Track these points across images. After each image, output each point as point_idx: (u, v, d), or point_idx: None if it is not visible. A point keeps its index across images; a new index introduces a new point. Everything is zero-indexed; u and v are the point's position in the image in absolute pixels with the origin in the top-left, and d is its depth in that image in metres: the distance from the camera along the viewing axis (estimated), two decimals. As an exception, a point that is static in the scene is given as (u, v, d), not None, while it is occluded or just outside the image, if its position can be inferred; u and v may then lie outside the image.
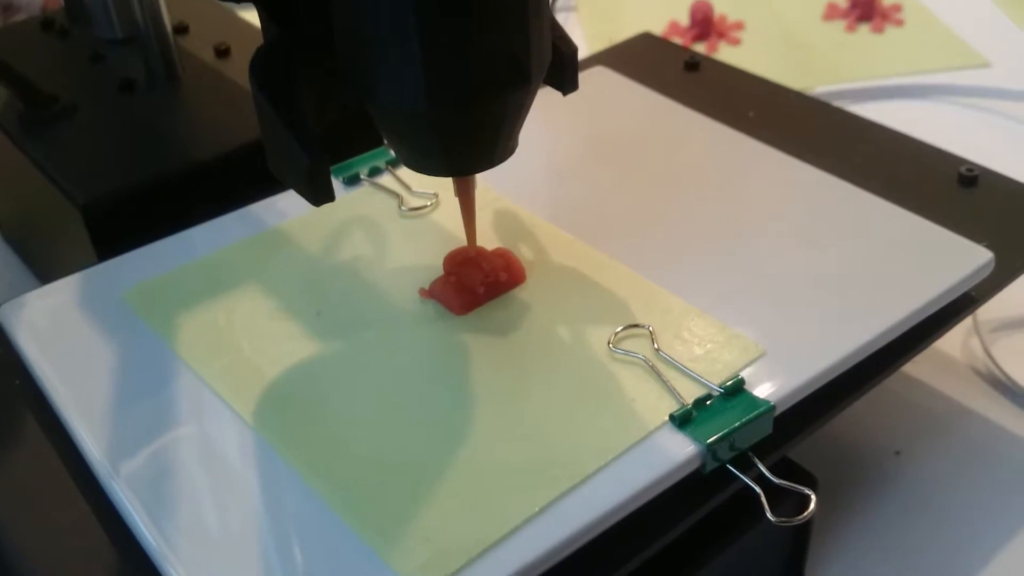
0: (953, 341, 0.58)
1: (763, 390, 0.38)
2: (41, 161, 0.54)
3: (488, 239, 0.46)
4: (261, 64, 0.37)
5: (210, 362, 0.40)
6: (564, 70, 0.42)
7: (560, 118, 0.56)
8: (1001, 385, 0.55)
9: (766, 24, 0.93)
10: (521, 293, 0.43)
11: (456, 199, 0.42)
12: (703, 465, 0.36)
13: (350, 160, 0.51)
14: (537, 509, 0.34)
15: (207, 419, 0.38)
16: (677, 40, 0.89)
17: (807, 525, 0.44)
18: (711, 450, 0.36)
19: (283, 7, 0.38)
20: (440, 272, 0.43)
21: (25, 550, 0.36)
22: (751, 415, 0.37)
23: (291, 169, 0.37)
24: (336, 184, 0.50)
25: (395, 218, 0.48)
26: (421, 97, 0.35)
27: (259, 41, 0.38)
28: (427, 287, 0.43)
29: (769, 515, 0.35)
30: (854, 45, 0.89)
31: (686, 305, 0.42)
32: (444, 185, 0.43)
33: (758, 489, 0.36)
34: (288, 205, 0.49)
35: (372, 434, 0.37)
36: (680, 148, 0.53)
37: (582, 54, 0.63)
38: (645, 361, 0.39)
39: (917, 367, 0.56)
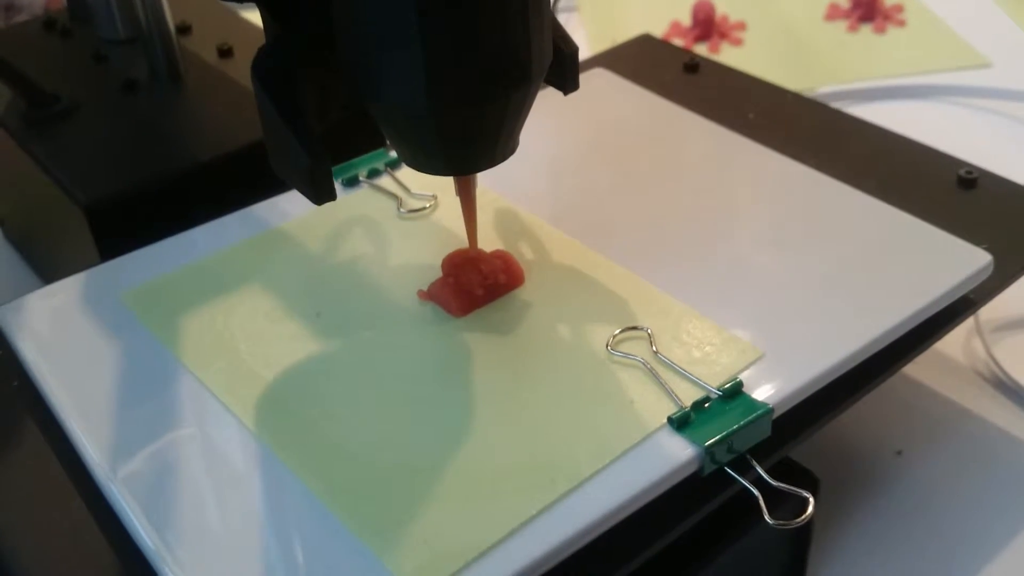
0: (955, 342, 0.58)
1: (761, 393, 0.38)
2: (44, 161, 0.54)
3: (488, 240, 0.46)
4: (263, 63, 0.37)
5: (208, 364, 0.41)
6: (565, 70, 0.42)
7: (560, 120, 0.56)
8: (1003, 386, 0.55)
9: (768, 24, 0.93)
10: (520, 295, 0.43)
11: (455, 200, 0.42)
12: (701, 468, 0.36)
13: (349, 162, 0.52)
14: (535, 512, 0.34)
15: (205, 421, 0.38)
16: (679, 41, 0.89)
17: (807, 526, 0.44)
18: (709, 453, 0.36)
19: (285, 6, 0.38)
20: (439, 274, 0.43)
21: (23, 552, 0.36)
22: (749, 418, 0.37)
23: (293, 168, 0.37)
24: (335, 186, 0.50)
25: (394, 220, 0.48)
26: (422, 96, 0.35)
27: (262, 41, 0.38)
28: (426, 289, 0.43)
29: (767, 518, 0.35)
30: (856, 45, 0.89)
31: (684, 307, 0.42)
32: (442, 187, 0.44)
33: (756, 492, 0.36)
34: (289, 206, 0.49)
35: (371, 436, 0.37)
36: (679, 150, 0.53)
37: (584, 54, 0.63)
38: (643, 363, 0.39)
39: (919, 368, 0.56)
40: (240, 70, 0.61)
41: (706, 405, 0.37)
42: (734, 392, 0.38)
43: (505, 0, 0.34)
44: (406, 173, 0.50)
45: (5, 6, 0.84)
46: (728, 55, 0.88)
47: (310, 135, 0.36)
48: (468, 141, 0.38)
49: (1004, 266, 0.45)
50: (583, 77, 0.59)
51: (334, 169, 0.50)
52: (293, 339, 0.42)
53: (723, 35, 0.90)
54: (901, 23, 0.92)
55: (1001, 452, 0.52)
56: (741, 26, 0.92)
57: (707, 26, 0.90)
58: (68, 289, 0.45)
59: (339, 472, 0.36)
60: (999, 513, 0.49)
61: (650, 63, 0.63)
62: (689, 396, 0.38)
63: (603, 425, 0.37)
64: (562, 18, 0.95)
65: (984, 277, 0.44)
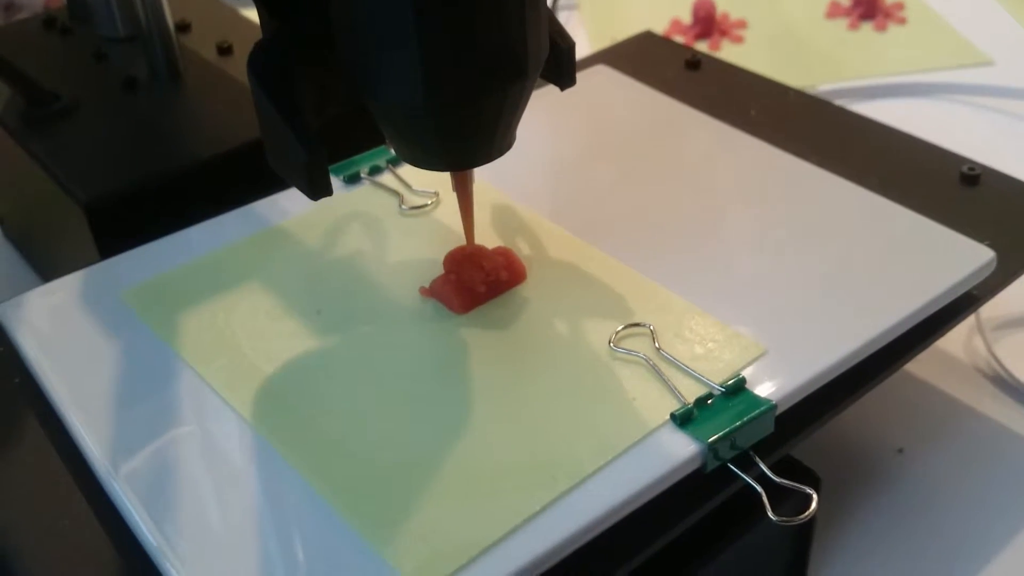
0: (956, 340, 0.58)
1: (764, 389, 0.38)
2: (43, 159, 0.54)
3: (489, 236, 0.46)
4: (260, 59, 0.37)
5: (210, 361, 0.40)
6: (561, 65, 0.42)
7: (561, 117, 0.56)
8: (1004, 384, 0.55)
9: (769, 22, 0.92)
10: (522, 292, 0.43)
11: (456, 196, 0.42)
12: (704, 464, 0.36)
13: (351, 159, 0.51)
14: (537, 509, 0.34)
15: (207, 418, 0.38)
16: (679, 38, 0.89)
17: (809, 524, 0.44)
18: (712, 449, 0.36)
19: (281, 2, 0.38)
20: (440, 271, 0.43)
21: (24, 549, 0.36)
22: (752, 414, 0.36)
23: (289, 163, 0.37)
24: (337, 183, 0.50)
25: (395, 217, 0.48)
26: (419, 92, 0.35)
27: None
28: (427, 286, 0.43)
29: (770, 514, 0.35)
30: (857, 43, 0.89)
31: (687, 304, 0.42)
32: (444, 184, 0.43)
33: (759, 488, 0.36)
34: (289, 203, 0.49)
35: (372, 433, 0.37)
36: (681, 146, 0.53)
37: (584, 52, 0.63)
38: (646, 360, 0.39)
39: (920, 365, 0.56)
40: (240, 68, 0.61)
41: (709, 402, 0.37)
42: (737, 388, 0.38)
43: None
44: (408, 170, 0.50)
45: (5, 4, 0.84)
46: (729, 53, 0.88)
47: (307, 131, 0.36)
48: (465, 137, 0.38)
49: (1007, 263, 0.45)
50: (585, 74, 0.59)
51: (336, 166, 0.51)
52: (294, 336, 0.42)
53: (723, 33, 0.90)
54: (902, 21, 0.91)
55: (1002, 450, 0.52)
56: (742, 24, 0.92)
57: (707, 24, 0.90)
58: (69, 286, 0.45)
59: (340, 469, 0.36)
60: (1000, 511, 0.49)
61: (652, 60, 0.63)
62: (692, 392, 0.38)
63: (605, 422, 0.37)
64: (562, 16, 0.95)
65: (987, 274, 0.44)
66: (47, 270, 0.63)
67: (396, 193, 0.49)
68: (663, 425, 0.37)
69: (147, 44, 0.60)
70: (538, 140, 0.53)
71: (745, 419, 0.36)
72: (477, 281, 0.42)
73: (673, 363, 0.39)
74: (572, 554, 0.33)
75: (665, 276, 0.43)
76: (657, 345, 0.40)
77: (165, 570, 0.33)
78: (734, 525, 0.39)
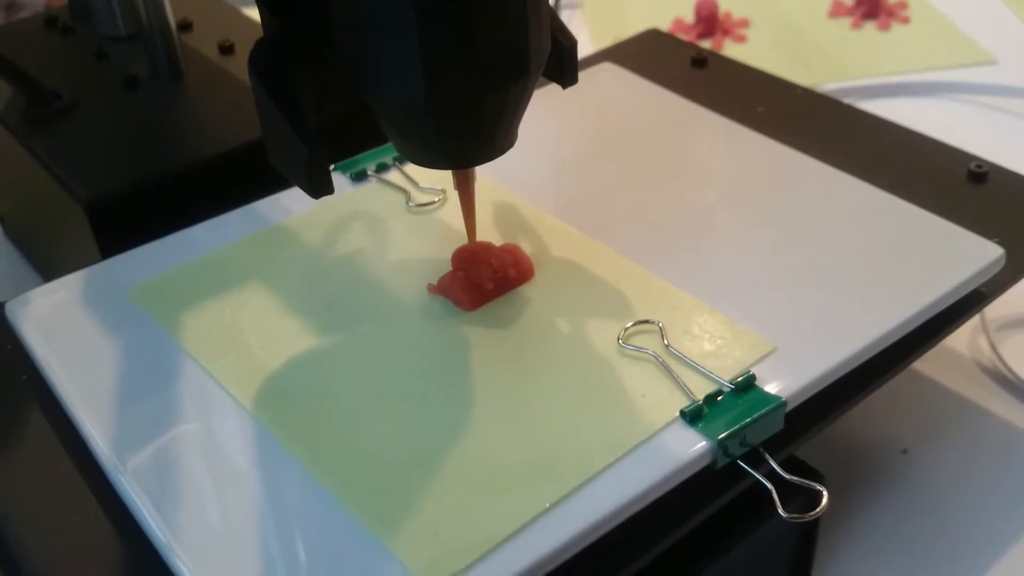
0: (960, 339, 0.58)
1: (774, 386, 0.38)
2: (44, 158, 0.54)
3: (497, 234, 0.46)
4: (260, 57, 0.37)
5: (219, 358, 0.40)
6: (563, 63, 0.42)
7: (568, 114, 0.55)
8: (1008, 383, 0.55)
9: (771, 21, 0.92)
10: (530, 289, 0.43)
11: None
12: (714, 461, 0.36)
13: (357, 156, 0.51)
14: (547, 505, 0.33)
15: (215, 414, 0.38)
16: (682, 37, 0.89)
17: (815, 523, 0.44)
18: (723, 446, 0.35)
19: (282, 0, 0.37)
20: (448, 268, 0.43)
21: (32, 545, 0.36)
22: (762, 411, 0.36)
23: (290, 161, 0.37)
24: (344, 180, 0.50)
25: (403, 214, 0.48)
26: (420, 89, 0.35)
27: (262, 38, 0.38)
28: (435, 283, 0.43)
29: (781, 511, 0.35)
30: (860, 42, 0.89)
31: (695, 301, 0.42)
32: (452, 181, 0.43)
33: (770, 485, 0.36)
34: (293, 202, 0.49)
35: (381, 430, 0.37)
36: (688, 144, 0.53)
37: (586, 51, 0.63)
38: (655, 357, 0.39)
39: (924, 365, 0.56)
40: (241, 67, 0.60)
41: (719, 398, 0.37)
42: (747, 385, 0.37)
43: None
44: (415, 167, 0.50)
45: (6, 4, 0.84)
46: (731, 52, 0.87)
47: (308, 129, 0.36)
48: (466, 135, 0.38)
49: (1015, 260, 0.45)
50: (591, 72, 0.59)
51: (342, 163, 0.51)
52: (302, 333, 0.41)
53: (726, 32, 0.90)
54: (905, 20, 0.91)
55: (1006, 450, 0.52)
56: (744, 23, 0.91)
57: (710, 23, 0.90)
58: (75, 284, 0.45)
59: (350, 466, 0.35)
60: (1004, 511, 0.49)
61: (658, 57, 0.63)
62: (701, 389, 0.37)
63: (614, 418, 0.37)
64: (565, 15, 0.95)
65: (996, 271, 0.44)
66: (48, 269, 0.63)
67: (403, 190, 0.49)
68: (673, 422, 0.36)
69: (148, 43, 0.60)
70: (545, 137, 0.53)
71: (755, 416, 0.36)
72: (485, 278, 0.42)
73: (682, 360, 0.39)
74: (582, 551, 0.33)
75: (673, 273, 0.43)
76: (666, 342, 0.40)
77: (173, 565, 0.33)
78: (741, 523, 0.39)
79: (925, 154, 0.54)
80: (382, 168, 0.51)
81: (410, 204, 0.48)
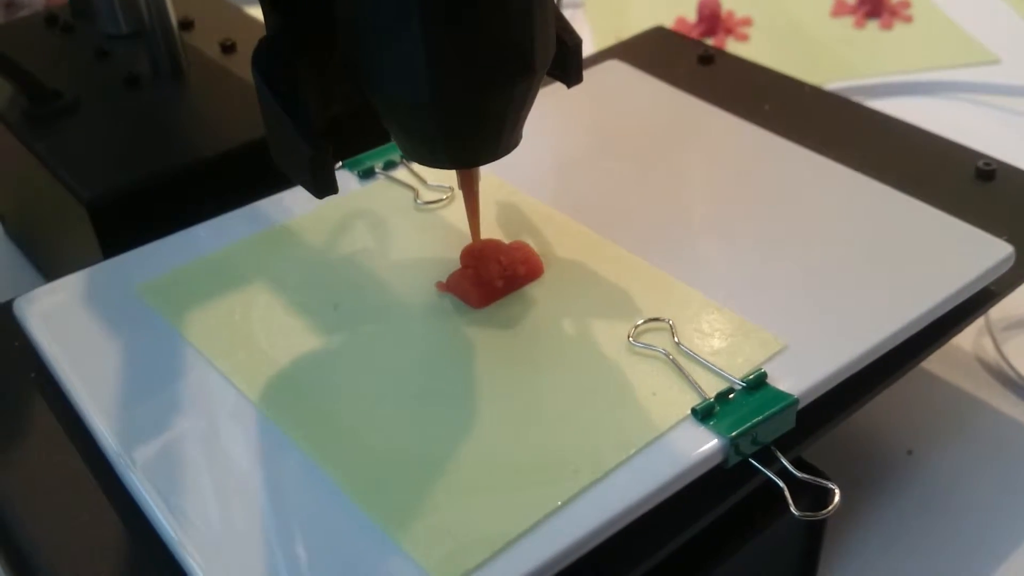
0: (965, 339, 0.58)
1: (785, 384, 0.37)
2: (45, 157, 0.53)
3: (505, 231, 0.46)
4: (264, 56, 0.37)
5: (228, 355, 0.40)
6: (568, 62, 0.42)
7: (575, 112, 0.55)
8: (1012, 384, 0.55)
9: (774, 20, 0.92)
10: (539, 287, 0.43)
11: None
12: (726, 459, 0.36)
13: (365, 153, 0.51)
14: (560, 503, 0.33)
15: (224, 411, 0.38)
16: (685, 36, 0.89)
17: (822, 523, 0.43)
18: (734, 444, 0.35)
19: (285, -1, 0.37)
20: (457, 265, 0.43)
21: (41, 541, 0.36)
22: (774, 409, 0.36)
23: (294, 161, 0.37)
24: (351, 178, 0.50)
25: (411, 212, 0.48)
26: (426, 88, 0.35)
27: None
28: (444, 280, 0.43)
29: (793, 509, 0.35)
30: (863, 41, 0.89)
31: (705, 299, 0.41)
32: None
33: (781, 483, 0.35)
34: (296, 201, 0.49)
35: (392, 428, 0.37)
36: (695, 141, 0.53)
37: (589, 50, 0.63)
38: (666, 355, 0.39)
39: (929, 366, 0.56)
40: (243, 66, 0.61)
41: (730, 396, 0.37)
42: (758, 383, 0.37)
43: None
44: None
45: (6, 2, 0.84)
46: (734, 51, 0.86)
47: (311, 127, 0.36)
48: (471, 134, 0.38)
49: (1023, 258, 0.45)
50: (598, 69, 0.59)
51: (349, 161, 0.50)
52: (311, 331, 0.41)
53: (729, 31, 0.90)
54: (908, 19, 0.91)
55: (1011, 450, 0.51)
56: (747, 22, 0.91)
57: (713, 22, 0.90)
58: (81, 282, 0.45)
59: (361, 463, 0.35)
60: (1010, 509, 0.48)
61: (664, 55, 0.63)
62: (712, 387, 0.37)
63: (626, 417, 0.36)
64: (568, 13, 0.95)
65: (1006, 268, 0.44)
66: (49, 268, 0.63)
67: (411, 188, 0.49)
68: (684, 420, 0.36)
69: (150, 41, 0.60)
70: (552, 135, 0.53)
71: (767, 414, 0.36)
72: (494, 275, 0.42)
73: (693, 358, 0.39)
74: (594, 549, 0.33)
75: (683, 271, 0.43)
76: (677, 340, 0.39)
77: (183, 561, 0.33)
78: (751, 522, 0.39)
79: (933, 152, 0.53)
80: (390, 165, 0.50)
81: (418, 202, 0.48)
